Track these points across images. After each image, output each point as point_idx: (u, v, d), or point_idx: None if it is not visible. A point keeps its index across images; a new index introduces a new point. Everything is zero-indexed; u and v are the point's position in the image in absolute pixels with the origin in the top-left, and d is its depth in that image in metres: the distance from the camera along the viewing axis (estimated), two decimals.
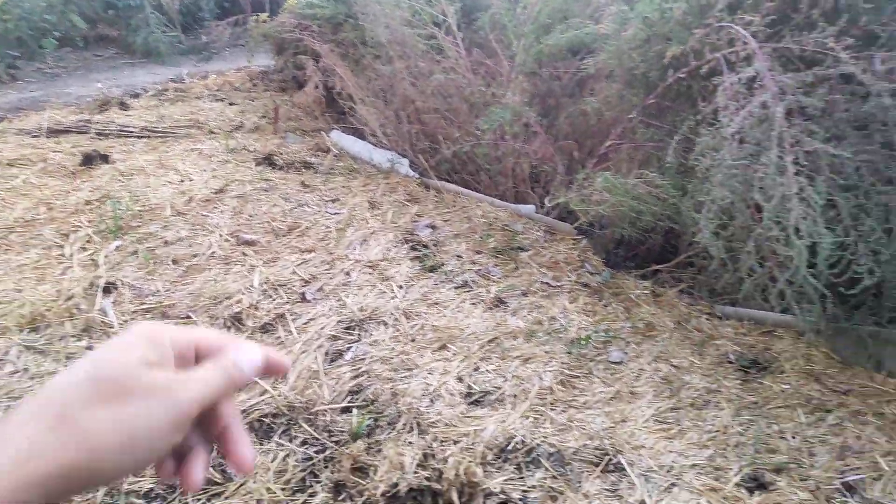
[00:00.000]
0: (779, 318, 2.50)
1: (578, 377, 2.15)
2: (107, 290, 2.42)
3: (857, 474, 1.80)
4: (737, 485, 1.75)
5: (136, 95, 5.19)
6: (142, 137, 4.05)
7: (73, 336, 2.17)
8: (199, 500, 1.63)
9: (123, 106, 4.71)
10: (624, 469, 1.78)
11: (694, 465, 1.80)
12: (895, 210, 2.22)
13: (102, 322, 2.24)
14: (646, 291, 2.70)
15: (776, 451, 1.87)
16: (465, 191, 3.50)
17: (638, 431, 1.92)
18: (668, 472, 1.78)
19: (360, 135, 4.15)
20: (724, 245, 2.46)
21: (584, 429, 1.92)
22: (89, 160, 3.51)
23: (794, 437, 1.93)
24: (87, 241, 2.73)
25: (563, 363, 2.19)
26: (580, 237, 3.10)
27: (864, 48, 2.33)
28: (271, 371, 0.54)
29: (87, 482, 0.41)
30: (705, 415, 2.01)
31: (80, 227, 2.83)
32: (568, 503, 1.67)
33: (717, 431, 1.94)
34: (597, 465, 1.80)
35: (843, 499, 1.73)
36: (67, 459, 0.39)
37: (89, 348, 2.12)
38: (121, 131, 4.11)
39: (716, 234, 2.47)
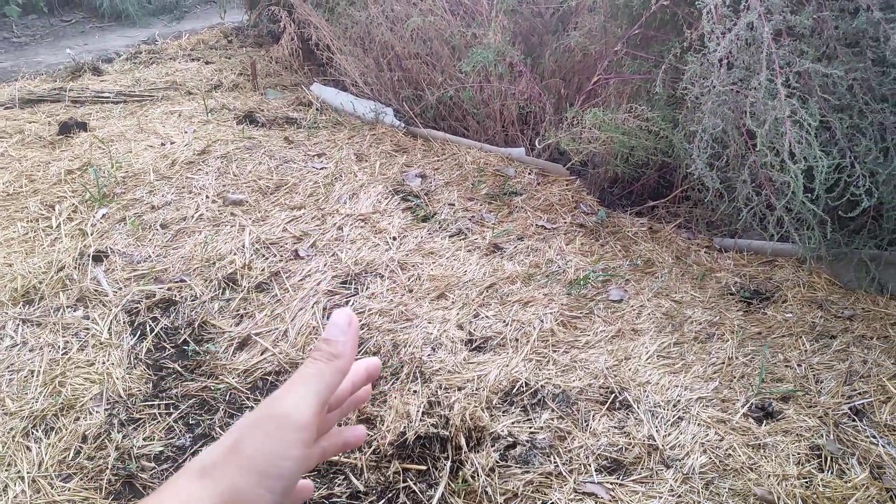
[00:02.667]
0: (778, 247, 2.48)
1: (579, 318, 2.14)
2: (97, 258, 2.37)
3: (864, 398, 1.81)
4: (744, 415, 1.75)
5: (109, 60, 5.02)
6: (118, 103, 3.93)
7: (68, 307, 2.13)
8: None
9: (97, 71, 4.55)
10: (630, 406, 1.78)
11: (700, 398, 1.80)
12: (891, 128, 2.18)
13: (96, 291, 2.20)
14: (643, 229, 2.67)
15: (782, 380, 1.88)
16: (454, 137, 3.42)
17: (642, 368, 1.91)
18: (674, 406, 1.78)
19: (341, 86, 4.04)
20: (719, 175, 2.42)
21: (587, 368, 1.91)
22: (67, 129, 3.41)
23: (799, 366, 1.93)
24: (73, 211, 2.67)
25: (562, 305, 2.18)
26: (573, 178, 3.05)
27: None
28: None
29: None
30: (709, 348, 2.01)
31: (65, 197, 2.76)
32: (576, 442, 1.67)
33: (722, 364, 1.94)
34: (603, 403, 1.80)
35: (852, 423, 1.74)
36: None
37: (86, 318, 2.09)
38: (96, 98, 3.98)
39: (710, 164, 2.43)
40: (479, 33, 3.30)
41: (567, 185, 2.99)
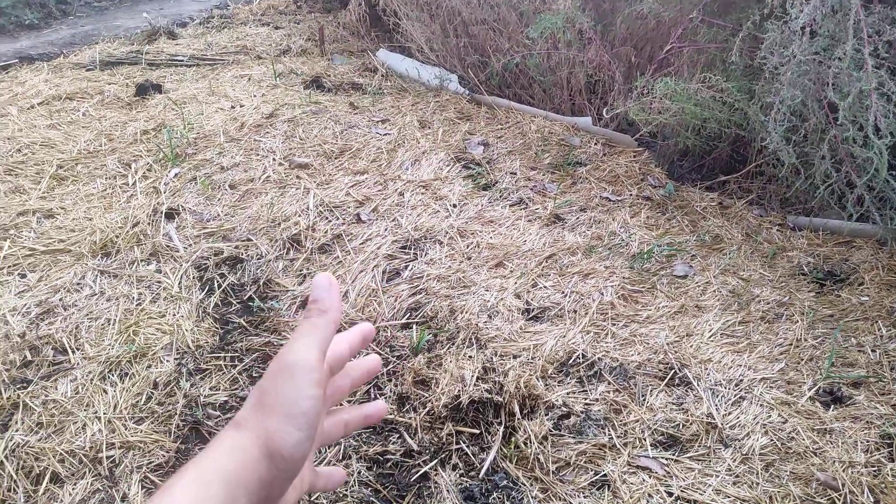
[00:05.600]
0: (857, 227, 2.35)
1: (641, 292, 2.09)
2: (169, 215, 2.46)
3: None
4: (811, 398, 1.69)
5: (184, 24, 5.16)
6: (191, 66, 4.03)
7: (142, 261, 2.23)
8: None
9: (172, 35, 4.68)
10: (690, 383, 1.74)
11: (764, 378, 1.75)
12: None
13: (168, 246, 2.29)
14: (712, 203, 2.58)
15: (854, 365, 1.80)
16: (518, 105, 3.37)
17: (704, 345, 1.87)
18: (736, 385, 1.73)
19: (407, 52, 4.02)
20: (796, 150, 2.31)
21: (647, 343, 1.88)
22: (143, 90, 3.53)
23: (874, 351, 1.84)
24: (148, 170, 2.77)
25: (624, 278, 2.14)
26: (641, 149, 2.97)
27: None
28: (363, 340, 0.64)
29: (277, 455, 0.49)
30: (777, 328, 1.94)
31: (140, 156, 2.87)
32: (632, 416, 1.65)
33: (790, 345, 1.87)
34: (661, 378, 1.76)
35: None
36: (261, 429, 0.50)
37: (158, 272, 2.18)
38: (171, 60, 4.10)
39: (786, 138, 2.32)
40: None
41: (634, 156, 2.91)
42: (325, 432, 0.61)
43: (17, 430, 1.61)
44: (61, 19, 5.45)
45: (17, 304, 1.98)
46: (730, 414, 1.66)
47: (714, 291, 2.09)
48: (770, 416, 1.65)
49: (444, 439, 1.60)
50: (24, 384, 1.74)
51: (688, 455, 1.55)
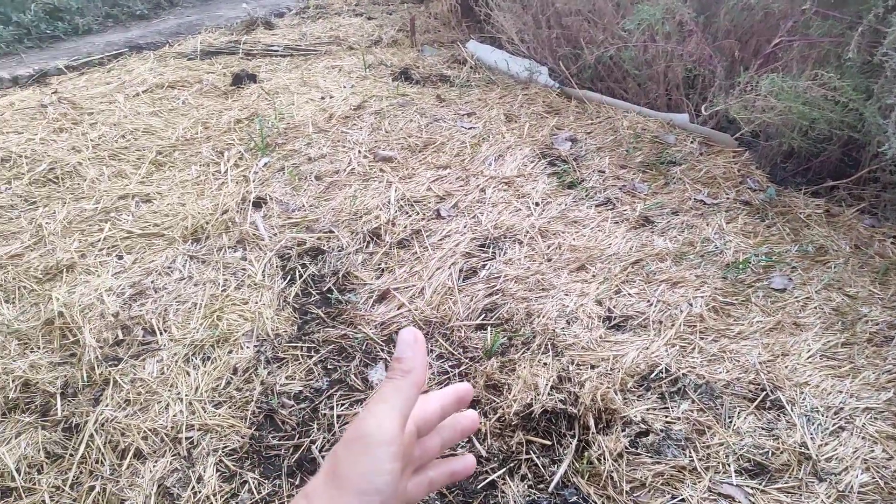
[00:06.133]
0: None
1: (734, 304, 1.96)
2: (257, 204, 2.53)
3: None
4: None
5: (281, 15, 5.30)
6: (286, 56, 4.14)
7: (229, 247, 2.30)
8: (342, 404, 1.69)
9: (269, 25, 4.82)
10: (783, 407, 1.62)
11: (868, 408, 1.60)
12: None
13: (254, 234, 2.35)
14: (818, 211, 2.39)
15: None
16: (610, 100, 3.25)
17: (801, 367, 1.73)
18: (835, 413, 1.59)
19: (497, 44, 3.96)
20: None
21: (738, 360, 1.76)
22: (239, 80, 3.65)
23: None
24: (240, 158, 2.86)
25: (716, 289, 2.01)
26: (742, 149, 2.79)
27: None
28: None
29: None
30: (885, 353, 1.77)
31: (233, 144, 2.97)
32: (716, 438, 1.55)
33: None
34: (751, 400, 1.64)
35: None
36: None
37: (244, 259, 2.24)
38: (266, 51, 4.22)
39: None
40: None
41: (734, 157, 2.74)
42: (408, 493, 0.57)
43: (106, 406, 1.69)
44: (168, 9, 5.72)
45: (114, 284, 2.09)
46: (826, 444, 1.52)
47: (815, 308, 1.93)
48: (873, 450, 1.50)
49: (514, 448, 1.56)
50: (116, 362, 1.83)
51: (776, 486, 1.44)
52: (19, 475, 1.54)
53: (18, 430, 1.65)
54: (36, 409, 1.71)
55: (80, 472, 1.56)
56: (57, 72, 3.97)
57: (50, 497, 1.50)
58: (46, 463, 1.58)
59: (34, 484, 1.53)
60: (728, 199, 2.47)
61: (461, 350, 1.85)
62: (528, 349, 1.81)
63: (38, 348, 1.88)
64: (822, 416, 1.59)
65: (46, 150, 2.90)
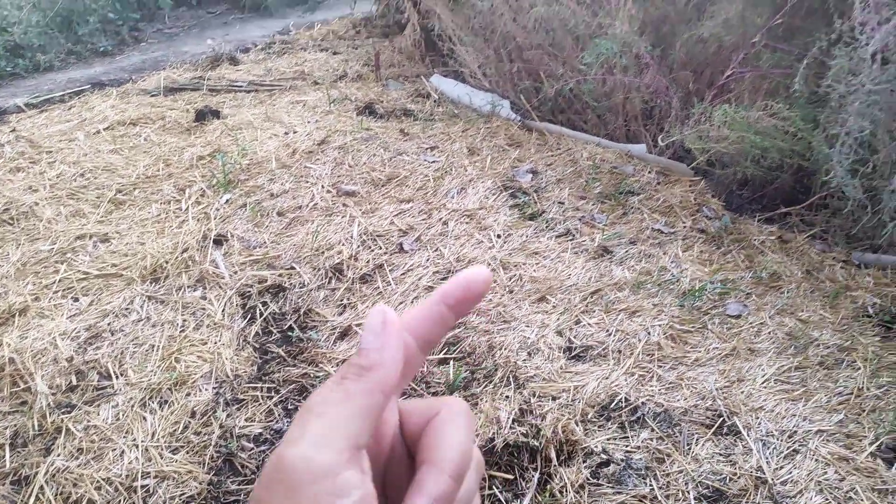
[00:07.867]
0: None
1: (690, 332, 2.00)
2: (218, 242, 2.51)
3: None
4: (872, 454, 1.56)
5: (246, 50, 5.33)
6: (250, 91, 4.15)
7: (189, 287, 2.28)
8: None
9: (234, 61, 4.84)
10: (739, 432, 1.64)
11: (821, 430, 1.63)
12: None
13: (214, 273, 2.33)
14: (771, 237, 2.45)
15: None
16: (570, 132, 3.31)
17: (756, 392, 1.76)
18: (789, 437, 1.62)
19: (460, 77, 4.03)
20: (864, 183, 2.18)
21: (695, 388, 1.78)
22: (202, 116, 3.65)
23: None
24: (201, 195, 2.85)
25: (673, 317, 2.04)
26: (698, 178, 2.86)
27: None
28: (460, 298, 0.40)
29: None
30: (836, 375, 1.81)
31: (195, 181, 2.95)
32: (676, 466, 1.57)
33: (850, 394, 1.74)
34: (709, 427, 1.67)
35: None
36: None
37: (203, 298, 2.22)
38: (230, 86, 4.23)
39: (853, 171, 2.18)
40: (606, 23, 3.15)
41: (690, 186, 2.81)
42: None
43: (58, 455, 1.65)
44: (133, 45, 5.72)
45: (68, 327, 2.05)
46: (781, 468, 1.55)
47: (769, 333, 1.98)
48: (826, 472, 1.53)
49: None
50: (69, 409, 1.78)
51: None
52: None
53: None
54: None
55: None
56: (16, 109, 3.93)
57: None
58: None
59: None
60: (684, 227, 2.52)
61: (423, 385, 1.84)
62: (490, 382, 1.82)
63: None
64: (777, 439, 1.61)
65: (1, 189, 2.86)
